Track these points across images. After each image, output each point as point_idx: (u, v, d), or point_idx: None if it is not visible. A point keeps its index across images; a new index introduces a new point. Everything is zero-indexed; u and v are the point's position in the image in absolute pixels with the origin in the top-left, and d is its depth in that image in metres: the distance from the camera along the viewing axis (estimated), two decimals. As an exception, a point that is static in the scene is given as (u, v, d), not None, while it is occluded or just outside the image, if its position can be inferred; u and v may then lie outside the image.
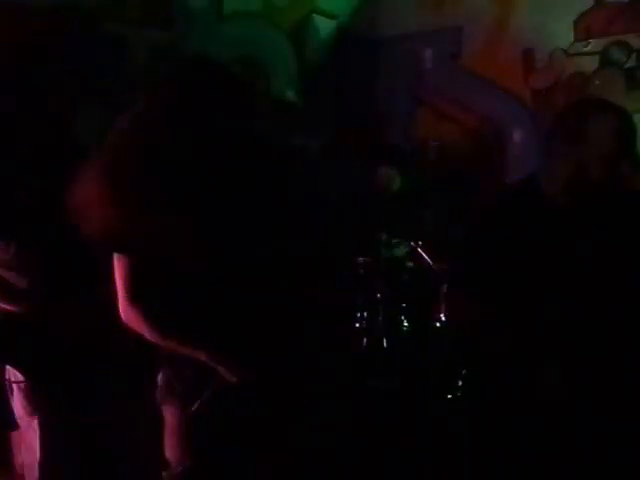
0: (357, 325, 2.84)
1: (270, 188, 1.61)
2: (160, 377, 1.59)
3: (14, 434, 2.05)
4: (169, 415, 1.57)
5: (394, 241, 3.04)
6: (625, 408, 1.77)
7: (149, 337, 1.51)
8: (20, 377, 1.86)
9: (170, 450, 1.57)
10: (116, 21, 2.99)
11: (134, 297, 1.48)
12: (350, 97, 3.90)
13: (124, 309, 1.50)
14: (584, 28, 3.67)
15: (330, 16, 4.05)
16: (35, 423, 1.87)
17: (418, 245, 2.90)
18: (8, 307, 1.83)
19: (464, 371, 2.48)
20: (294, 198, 1.68)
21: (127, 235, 1.46)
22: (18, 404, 1.90)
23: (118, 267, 1.49)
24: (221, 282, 1.50)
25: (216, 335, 1.51)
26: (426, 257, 2.83)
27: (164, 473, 1.58)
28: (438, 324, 2.70)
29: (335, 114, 3.67)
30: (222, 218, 1.49)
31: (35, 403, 1.87)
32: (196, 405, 1.50)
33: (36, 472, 1.89)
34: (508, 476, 1.85)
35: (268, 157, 1.65)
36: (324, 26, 4.04)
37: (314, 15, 4.01)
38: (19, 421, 1.93)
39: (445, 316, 2.66)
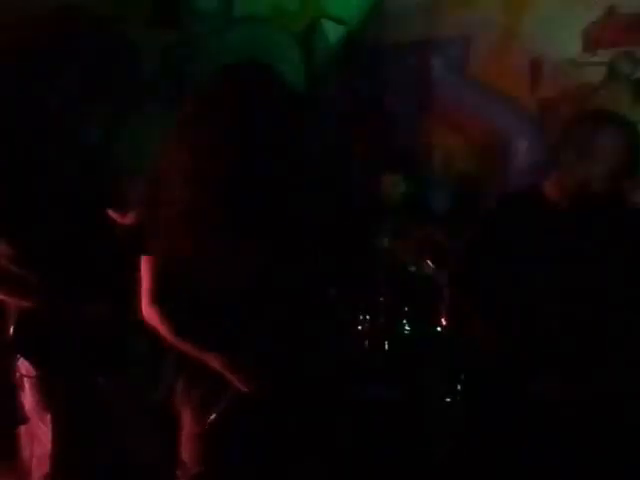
0: (359, 328, 2.86)
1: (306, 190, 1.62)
2: (179, 384, 1.62)
3: (21, 428, 2.07)
4: (186, 421, 1.60)
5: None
6: (625, 413, 1.78)
7: (167, 337, 1.54)
8: (32, 371, 1.88)
9: (186, 453, 1.61)
10: (127, 23, 3.01)
11: (157, 297, 1.52)
12: (356, 104, 3.92)
13: (146, 307, 1.54)
14: (592, 39, 3.67)
15: (339, 21, 4.06)
16: (47, 418, 1.89)
17: (421, 250, 2.91)
18: (20, 302, 1.86)
19: (463, 375, 2.49)
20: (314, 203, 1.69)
21: (158, 238, 1.50)
22: (29, 398, 1.92)
23: (145, 267, 1.53)
24: (239, 290, 1.53)
25: (231, 344, 1.53)
26: (429, 262, 2.84)
27: (179, 472, 1.62)
28: (439, 328, 2.72)
29: (341, 120, 3.68)
30: (253, 224, 1.50)
31: (47, 397, 1.89)
32: (212, 417, 1.52)
33: (46, 465, 1.90)
34: (507, 478, 1.86)
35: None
36: (333, 31, 4.06)
37: (323, 20, 4.03)
38: (29, 414, 1.95)
39: (446, 320, 2.68)
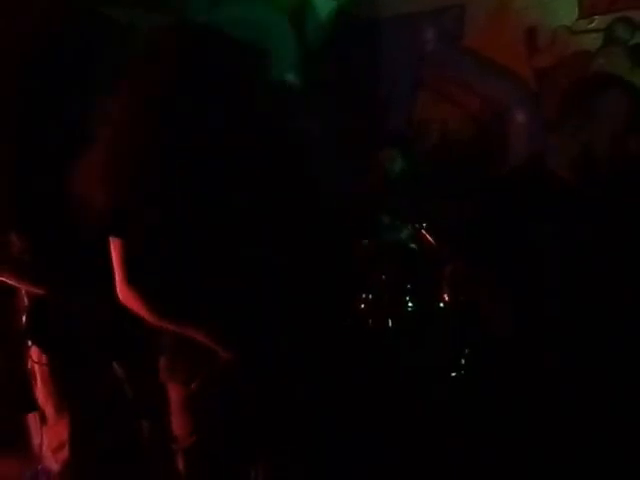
0: (362, 306, 2.86)
1: (279, 171, 1.60)
2: (162, 358, 1.62)
3: (31, 415, 2.09)
4: (173, 394, 1.61)
5: (397, 223, 3.05)
6: (627, 389, 1.78)
7: (147, 318, 1.53)
8: (43, 358, 1.89)
9: (176, 426, 1.62)
10: (116, 5, 2.96)
11: (130, 278, 1.50)
12: (350, 79, 3.89)
13: (121, 290, 1.52)
14: (588, 5, 3.62)
15: (330, -4, 4.01)
16: (60, 405, 1.90)
17: (421, 227, 2.90)
18: (32, 289, 1.87)
19: (467, 350, 2.50)
20: (301, 180, 1.68)
21: (124, 218, 1.47)
22: (40, 385, 1.94)
23: (114, 249, 1.51)
24: (222, 262, 1.52)
25: (214, 315, 1.53)
26: (429, 239, 2.83)
27: (174, 446, 1.63)
28: (442, 304, 2.71)
29: (335, 96, 3.65)
30: (226, 202, 1.50)
31: (59, 384, 1.91)
32: (195, 384, 1.53)
33: (64, 452, 1.92)
34: (509, 454, 1.87)
35: (278, 141, 1.65)
36: (324, 7, 4.00)
37: (314, -5, 3.98)
38: (40, 402, 1.97)
39: (448, 297, 2.68)
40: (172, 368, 1.60)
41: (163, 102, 1.48)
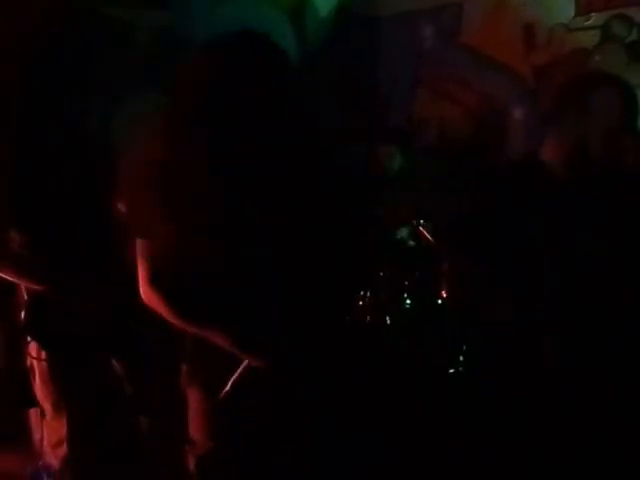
0: (360, 303, 2.87)
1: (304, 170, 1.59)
2: (184, 363, 1.62)
3: (31, 411, 2.10)
4: (193, 399, 1.59)
5: (396, 220, 3.06)
6: (625, 377, 1.79)
7: (169, 319, 1.52)
8: (42, 354, 1.90)
9: (195, 431, 1.60)
10: (116, 5, 2.96)
11: (155, 279, 1.49)
12: (349, 77, 3.89)
13: (144, 291, 1.52)
14: (585, 2, 3.63)
15: (329, -6, 4.01)
16: (58, 402, 1.92)
17: (420, 224, 2.91)
18: (32, 285, 1.89)
19: (465, 346, 2.51)
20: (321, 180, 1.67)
21: (151, 219, 1.47)
22: (39, 381, 1.95)
23: (140, 249, 1.50)
24: (244, 266, 1.51)
25: (237, 320, 1.52)
26: (427, 236, 2.84)
27: (188, 448, 1.62)
28: (440, 301, 2.73)
29: (335, 95, 3.66)
30: (254, 200, 1.49)
31: (58, 380, 1.92)
32: (222, 394, 1.51)
33: (62, 448, 1.93)
34: (509, 453, 1.87)
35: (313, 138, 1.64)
36: (324, 5, 4.01)
37: (313, -7, 3.98)
38: (39, 398, 1.98)
39: (446, 294, 2.69)
40: (192, 373, 1.59)
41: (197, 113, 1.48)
